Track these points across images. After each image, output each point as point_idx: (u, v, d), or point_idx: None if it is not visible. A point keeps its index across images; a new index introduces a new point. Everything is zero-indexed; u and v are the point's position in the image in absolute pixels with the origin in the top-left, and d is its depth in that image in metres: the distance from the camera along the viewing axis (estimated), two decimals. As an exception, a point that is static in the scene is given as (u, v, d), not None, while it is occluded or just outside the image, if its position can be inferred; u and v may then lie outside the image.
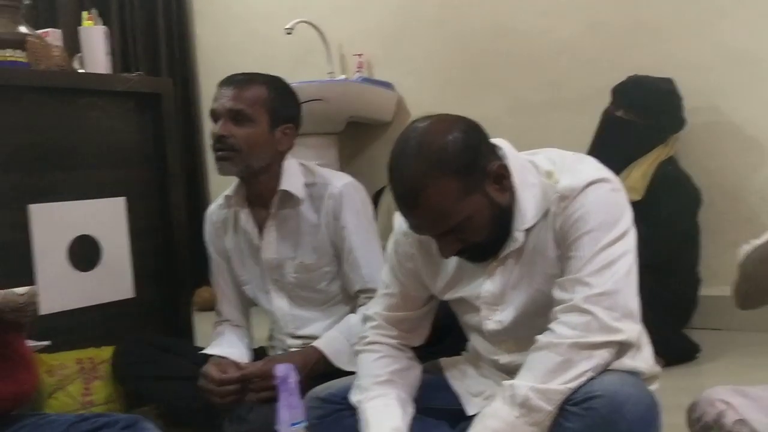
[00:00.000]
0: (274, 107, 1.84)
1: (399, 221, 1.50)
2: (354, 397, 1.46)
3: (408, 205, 1.33)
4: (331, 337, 1.84)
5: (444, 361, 1.60)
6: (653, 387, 1.39)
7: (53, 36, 2.33)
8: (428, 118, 1.36)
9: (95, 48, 2.35)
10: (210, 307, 2.15)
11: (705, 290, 2.78)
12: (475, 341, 1.53)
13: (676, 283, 2.66)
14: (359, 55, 3.71)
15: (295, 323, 1.96)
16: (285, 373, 1.22)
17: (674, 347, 2.48)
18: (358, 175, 2.04)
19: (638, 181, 2.68)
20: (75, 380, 2.04)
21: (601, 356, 1.24)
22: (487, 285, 1.41)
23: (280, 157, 1.89)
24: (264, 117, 1.83)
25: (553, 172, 1.36)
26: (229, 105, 1.81)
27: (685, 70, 2.86)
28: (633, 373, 1.31)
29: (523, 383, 1.24)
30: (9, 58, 2.09)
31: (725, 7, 2.92)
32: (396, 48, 3.68)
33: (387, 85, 3.66)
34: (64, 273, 2.11)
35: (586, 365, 1.23)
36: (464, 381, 1.53)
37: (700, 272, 2.77)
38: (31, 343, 1.56)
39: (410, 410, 1.45)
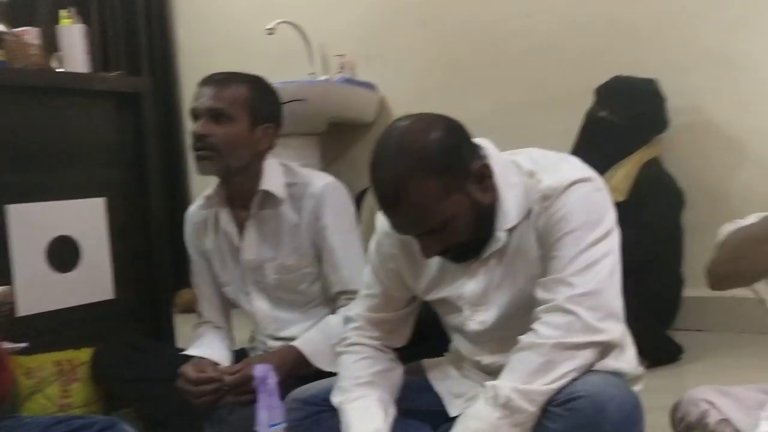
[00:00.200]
0: (254, 106, 1.83)
1: (381, 221, 1.49)
2: (335, 399, 1.45)
3: (389, 204, 1.31)
4: (310, 336, 1.83)
5: (426, 362, 1.60)
6: (637, 388, 1.39)
7: (31, 34, 2.30)
8: (409, 117, 1.35)
9: (74, 47, 2.33)
10: (191, 308, 2.14)
11: (688, 291, 2.79)
12: (458, 342, 1.53)
13: (659, 283, 2.67)
14: (341, 55, 3.70)
15: (276, 325, 1.94)
16: (264, 374, 1.21)
17: (657, 348, 2.48)
18: (341, 176, 2.03)
19: (622, 182, 2.68)
20: (53, 382, 2.02)
21: (584, 357, 1.24)
22: (469, 285, 1.41)
23: (260, 156, 1.87)
24: (244, 116, 1.81)
25: (536, 171, 1.36)
26: (209, 104, 1.80)
27: (668, 71, 2.87)
28: (616, 374, 1.31)
29: (506, 384, 1.23)
30: (-14, 57, 2.06)
31: (707, 9, 2.93)
32: (378, 48, 3.67)
33: (369, 85, 3.65)
34: (42, 274, 2.09)
35: (568, 366, 1.22)
36: (446, 382, 1.53)
37: (682, 273, 2.79)
38: (8, 345, 1.54)
39: (392, 412, 1.44)
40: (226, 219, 1.93)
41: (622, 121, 2.75)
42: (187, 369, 1.78)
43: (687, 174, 2.83)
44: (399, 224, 1.35)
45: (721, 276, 1.40)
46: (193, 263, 2.05)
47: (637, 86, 2.82)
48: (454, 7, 3.47)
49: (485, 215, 1.34)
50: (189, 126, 1.85)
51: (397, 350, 1.56)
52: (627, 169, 2.71)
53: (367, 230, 1.88)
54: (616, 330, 1.28)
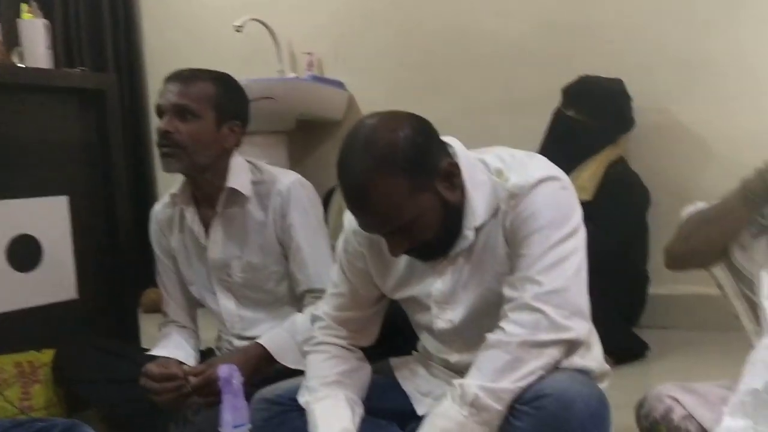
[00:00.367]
0: (220, 103, 1.81)
1: (349, 219, 1.48)
2: (302, 398, 1.44)
3: (357, 203, 1.31)
4: (276, 334, 1.81)
5: (394, 361, 1.59)
6: (603, 385, 1.40)
7: (-10, 29, 2.26)
8: (377, 115, 1.34)
9: (35, 42, 2.28)
10: (157, 308, 2.11)
11: (653, 289, 2.82)
12: (426, 341, 1.52)
13: (625, 282, 2.69)
14: (310, 53, 3.68)
15: (242, 324, 1.93)
16: (228, 374, 1.19)
17: (623, 346, 2.51)
18: (309, 175, 2.02)
19: (588, 181, 2.70)
20: (13, 384, 1.98)
21: (551, 354, 1.24)
22: (437, 284, 1.40)
23: (226, 154, 1.85)
24: (210, 113, 1.79)
25: (503, 170, 1.36)
26: (174, 100, 1.78)
27: (634, 72, 2.90)
28: (583, 372, 1.32)
29: (473, 382, 1.23)
30: (-57, 52, 2.01)
31: (673, 11, 2.97)
32: (347, 47, 3.66)
33: (338, 83, 3.64)
34: (3, 273, 2.05)
35: (535, 364, 1.23)
36: (414, 381, 1.52)
37: (648, 271, 2.82)
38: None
39: (359, 411, 1.44)
40: (191, 217, 1.91)
41: (588, 121, 2.77)
42: (151, 366, 1.76)
43: (652, 173, 2.86)
44: (366, 222, 1.34)
45: (676, 254, 1.44)
46: (158, 262, 2.02)
47: (603, 86, 2.84)
48: (423, 6, 3.48)
49: (453, 214, 1.34)
50: (155, 123, 1.82)
51: (364, 349, 1.55)
52: (593, 169, 2.74)
53: (335, 229, 1.87)
54: (583, 328, 1.28)
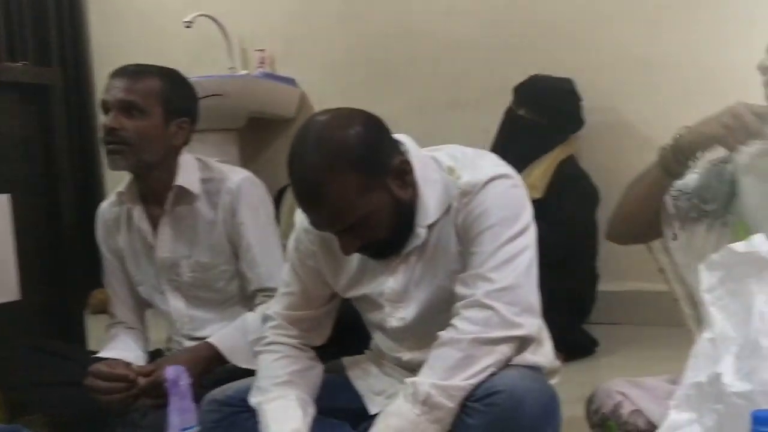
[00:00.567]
0: (169, 100, 1.78)
1: (300, 218, 1.47)
2: (253, 399, 1.42)
3: (308, 201, 1.30)
4: (226, 333, 1.79)
5: (346, 360, 1.58)
6: (553, 381, 1.41)
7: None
8: (328, 111, 1.33)
9: (-25, 34, 2.22)
10: (105, 309, 2.06)
11: (602, 286, 2.86)
12: (378, 339, 1.52)
13: (575, 279, 2.72)
14: (261, 50, 3.65)
15: (192, 324, 1.90)
16: (175, 375, 1.16)
17: (573, 342, 2.54)
18: (261, 173, 2.00)
19: (539, 180, 2.73)
20: (-48, 390, 1.91)
21: (502, 351, 1.25)
22: (390, 282, 1.40)
23: (174, 151, 1.82)
24: (158, 110, 1.76)
25: (455, 168, 1.36)
26: (120, 96, 1.74)
27: (584, 71, 2.94)
28: (534, 368, 1.33)
29: (425, 380, 1.23)
30: None
31: (622, 11, 3.02)
32: (299, 44, 3.64)
33: (289, 81, 3.62)
34: (-60, 275, 1.99)
35: (487, 361, 1.23)
36: (367, 380, 1.52)
37: (597, 268, 2.85)
38: None
39: (311, 411, 1.42)
40: (139, 216, 1.87)
41: (539, 120, 2.80)
42: (99, 365, 1.72)
43: (602, 172, 2.90)
44: (318, 221, 1.33)
45: (611, 222, 1.46)
46: (105, 262, 1.98)
47: (554, 85, 2.87)
48: (375, 5, 3.48)
49: (405, 211, 1.34)
50: (102, 119, 1.78)
51: (316, 348, 1.53)
52: (544, 167, 2.76)
53: (287, 228, 1.86)
54: (534, 324, 1.29)
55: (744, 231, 1.31)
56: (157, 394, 1.65)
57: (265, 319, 1.54)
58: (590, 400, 1.38)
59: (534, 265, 1.32)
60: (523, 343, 1.28)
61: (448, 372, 1.22)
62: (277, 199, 3.11)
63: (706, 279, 1.22)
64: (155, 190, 1.84)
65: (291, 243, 1.52)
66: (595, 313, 2.87)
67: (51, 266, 2.27)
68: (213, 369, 1.74)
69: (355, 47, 3.52)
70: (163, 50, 3.62)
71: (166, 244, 1.86)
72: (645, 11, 2.98)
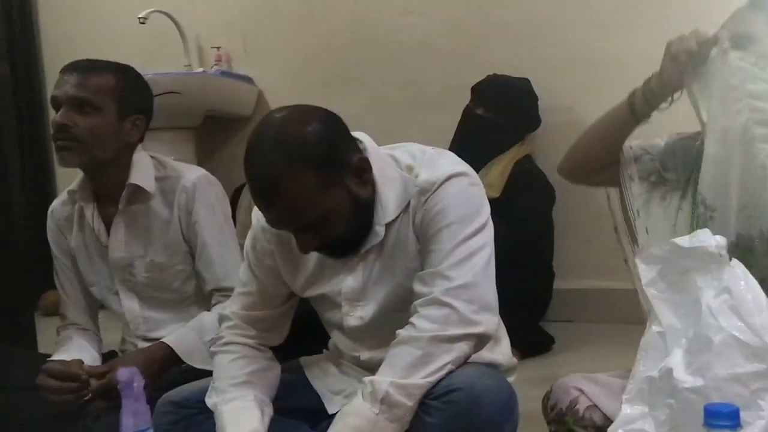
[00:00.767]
0: (122, 96, 1.74)
1: (257, 216, 1.46)
2: (210, 400, 1.40)
3: (264, 199, 1.28)
4: (182, 333, 1.76)
5: (304, 359, 1.57)
6: (511, 378, 1.42)
7: None
8: (285, 108, 1.32)
9: None
10: (57, 311, 2.02)
11: (559, 284, 2.89)
12: (336, 338, 1.51)
13: (532, 277, 2.74)
14: (218, 48, 3.61)
15: (147, 325, 1.86)
16: (128, 377, 1.14)
17: (530, 339, 2.56)
18: (217, 171, 1.97)
19: (496, 179, 2.75)
20: None
21: (461, 349, 1.25)
22: (348, 281, 1.40)
23: (128, 149, 1.78)
24: (111, 106, 1.72)
25: (414, 166, 1.37)
26: (71, 92, 1.70)
27: (541, 71, 2.97)
28: (491, 366, 1.34)
29: (384, 379, 1.22)
30: None
31: (577, 11, 3.05)
32: (256, 42, 3.61)
33: (246, 79, 3.58)
34: None
35: (445, 358, 1.23)
36: (325, 379, 1.51)
37: (554, 266, 2.88)
38: None
39: (269, 411, 1.41)
40: (91, 215, 1.83)
41: (497, 119, 2.81)
42: (52, 363, 1.68)
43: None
44: (275, 219, 1.32)
45: (566, 156, 1.57)
46: (56, 262, 1.93)
47: (511, 85, 2.89)
48: (332, 3, 3.46)
49: (364, 209, 1.33)
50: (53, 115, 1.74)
51: (274, 348, 1.52)
52: (501, 166, 2.78)
53: (244, 227, 1.83)
54: (492, 322, 1.30)
55: (695, 212, 1.34)
56: (111, 396, 1.62)
57: (222, 319, 1.52)
58: (547, 396, 1.39)
59: (492, 262, 1.32)
60: (481, 340, 1.29)
61: (407, 370, 1.22)
62: (234, 198, 3.08)
63: (644, 273, 1.23)
64: (108, 189, 1.80)
65: (248, 242, 1.50)
66: (551, 311, 2.90)
67: (0, 266, 2.21)
68: (168, 370, 1.71)
69: (314, 46, 3.51)
70: (116, 46, 3.56)
71: (120, 244, 1.82)
72: (599, 11, 3.01)
